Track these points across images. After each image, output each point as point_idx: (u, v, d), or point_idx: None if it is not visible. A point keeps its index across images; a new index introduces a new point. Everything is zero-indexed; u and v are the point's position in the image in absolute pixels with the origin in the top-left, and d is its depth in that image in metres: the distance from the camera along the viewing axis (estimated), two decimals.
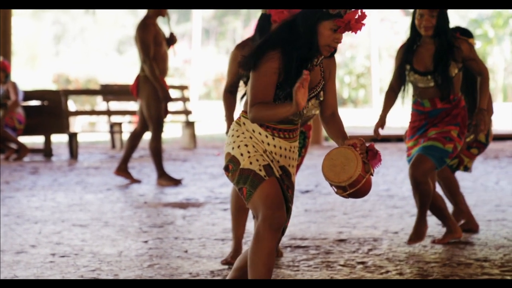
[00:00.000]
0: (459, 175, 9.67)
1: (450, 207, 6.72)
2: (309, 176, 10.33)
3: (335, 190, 3.71)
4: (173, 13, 33.67)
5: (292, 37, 3.68)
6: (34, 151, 13.08)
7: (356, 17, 3.63)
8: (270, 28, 5.15)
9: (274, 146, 3.79)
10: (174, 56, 9.46)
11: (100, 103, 21.89)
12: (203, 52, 30.92)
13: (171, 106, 10.68)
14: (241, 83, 5.40)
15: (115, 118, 14.78)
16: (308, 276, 5.01)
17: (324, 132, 15.80)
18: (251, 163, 3.73)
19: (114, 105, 16.93)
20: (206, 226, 6.81)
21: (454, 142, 5.75)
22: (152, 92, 9.13)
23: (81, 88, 26.47)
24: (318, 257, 5.52)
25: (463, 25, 23.85)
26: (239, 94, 5.43)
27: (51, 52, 33.90)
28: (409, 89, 5.93)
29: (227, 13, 35.72)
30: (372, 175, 3.68)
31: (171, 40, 9.32)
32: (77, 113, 14.94)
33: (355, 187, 3.64)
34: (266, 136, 3.78)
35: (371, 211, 7.59)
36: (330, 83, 3.84)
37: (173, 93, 14.44)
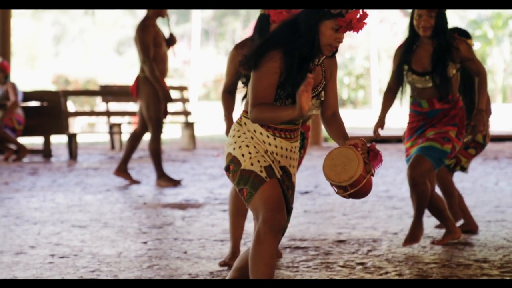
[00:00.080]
0: (459, 176, 9.68)
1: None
2: (309, 177, 10.31)
3: (336, 190, 3.70)
4: (173, 14, 33.67)
5: (294, 36, 3.67)
6: (34, 152, 13.07)
7: (358, 16, 3.63)
8: (269, 29, 5.14)
9: (275, 146, 3.78)
10: (174, 57, 9.46)
11: (99, 104, 21.89)
12: (203, 53, 30.94)
13: (170, 107, 10.67)
14: (240, 84, 5.39)
15: (114, 119, 14.79)
16: (307, 277, 5.01)
17: (323, 133, 15.79)
18: (252, 164, 3.72)
19: (114, 106, 16.95)
20: (205, 227, 6.80)
21: (452, 142, 5.74)
22: (151, 93, 9.13)
23: (81, 89, 26.49)
24: (318, 258, 5.52)
25: (463, 26, 23.89)
26: (238, 95, 5.42)
27: (50, 53, 33.91)
28: (407, 89, 5.93)
29: (227, 14, 35.72)
30: (373, 176, 3.68)
31: (171, 41, 9.32)
32: (77, 114, 14.93)
33: (356, 187, 3.63)
34: (268, 136, 3.77)
35: (370, 212, 7.59)
36: (331, 83, 3.83)
37: (173, 94, 14.43)
